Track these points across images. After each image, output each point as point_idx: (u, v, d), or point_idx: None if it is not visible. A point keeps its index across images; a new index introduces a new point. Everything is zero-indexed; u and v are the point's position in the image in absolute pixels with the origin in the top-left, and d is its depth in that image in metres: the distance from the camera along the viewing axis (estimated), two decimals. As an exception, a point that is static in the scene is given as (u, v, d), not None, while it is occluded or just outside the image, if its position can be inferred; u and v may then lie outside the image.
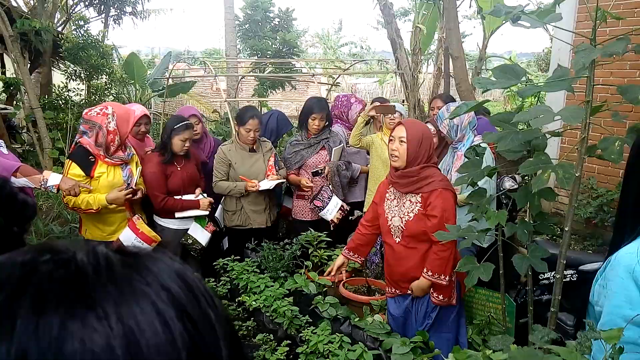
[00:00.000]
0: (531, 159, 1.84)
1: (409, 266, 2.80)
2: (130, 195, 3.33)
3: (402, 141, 2.74)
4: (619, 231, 1.44)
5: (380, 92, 19.24)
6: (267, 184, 3.89)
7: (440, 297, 2.78)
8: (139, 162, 3.62)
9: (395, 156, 2.77)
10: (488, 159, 2.81)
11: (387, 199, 2.90)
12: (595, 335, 0.97)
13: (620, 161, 1.71)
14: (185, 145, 3.70)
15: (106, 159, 3.34)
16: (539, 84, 1.96)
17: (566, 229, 1.95)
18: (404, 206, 2.79)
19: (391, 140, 2.82)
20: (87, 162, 3.33)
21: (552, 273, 2.63)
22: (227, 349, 0.38)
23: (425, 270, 2.72)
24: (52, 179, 3.14)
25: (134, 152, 3.58)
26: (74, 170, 3.29)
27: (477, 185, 2.40)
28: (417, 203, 2.74)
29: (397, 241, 2.83)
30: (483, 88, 2.09)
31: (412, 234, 2.76)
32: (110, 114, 3.35)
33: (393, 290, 2.97)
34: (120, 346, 0.34)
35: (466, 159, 2.30)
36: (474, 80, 2.44)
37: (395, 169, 2.81)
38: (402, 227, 2.79)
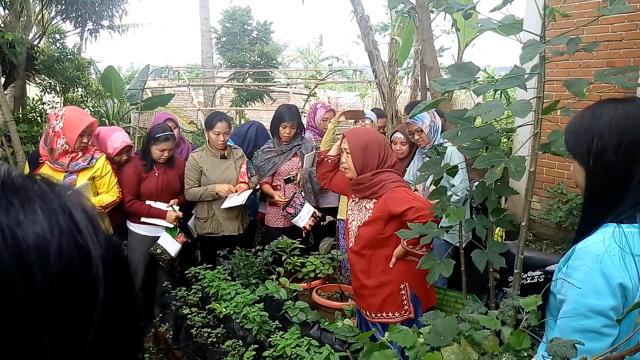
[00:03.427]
0: (485, 154, 1.87)
1: (356, 271, 2.79)
2: None
3: (347, 152, 2.72)
4: (583, 222, 1.45)
5: (361, 105, 19.39)
6: (237, 200, 3.88)
7: (391, 314, 2.72)
8: (102, 177, 3.52)
9: (345, 168, 2.76)
10: (454, 159, 2.83)
11: (352, 200, 2.88)
12: (515, 302, 0.98)
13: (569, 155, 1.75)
14: (164, 155, 3.74)
15: (47, 163, 3.31)
16: (493, 82, 2.00)
17: (522, 223, 1.97)
18: (360, 212, 2.77)
19: (342, 152, 2.82)
20: (35, 164, 3.35)
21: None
22: (103, 248, 0.46)
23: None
24: None
25: (96, 165, 3.48)
26: (26, 170, 3.30)
27: (446, 185, 2.42)
28: (370, 209, 2.70)
29: (350, 245, 2.83)
30: (442, 90, 2.12)
31: (362, 240, 2.72)
32: (60, 116, 3.32)
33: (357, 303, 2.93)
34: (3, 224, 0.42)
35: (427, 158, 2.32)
36: (432, 81, 2.49)
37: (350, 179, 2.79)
38: (356, 232, 2.77)
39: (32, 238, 0.42)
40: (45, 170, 3.33)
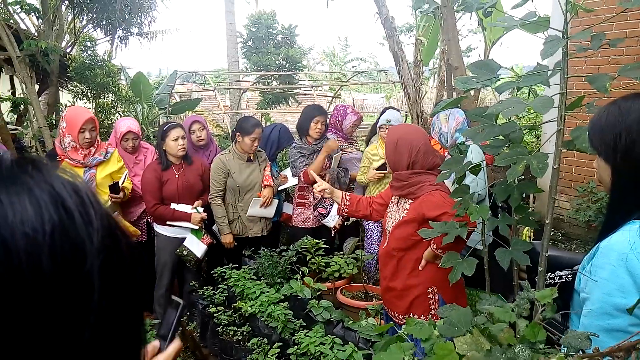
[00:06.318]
0: (507, 151, 1.86)
1: (385, 272, 2.77)
2: None
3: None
4: (609, 220, 1.42)
5: (386, 106, 19.36)
6: (266, 212, 4.05)
7: (416, 317, 2.66)
8: (120, 169, 3.75)
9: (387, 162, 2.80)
10: (475, 157, 2.80)
11: (392, 202, 2.86)
12: (530, 295, 0.98)
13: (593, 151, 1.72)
14: (179, 145, 3.75)
15: (66, 159, 3.56)
16: (516, 79, 1.99)
17: (546, 221, 1.96)
18: (397, 212, 2.75)
19: None
20: (53, 160, 3.55)
21: (549, 274, 2.63)
22: (99, 238, 0.44)
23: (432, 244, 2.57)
24: None
25: (111, 159, 3.70)
26: None
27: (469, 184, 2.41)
28: (405, 210, 2.69)
29: (384, 245, 2.80)
30: (463, 88, 2.12)
31: (394, 240, 2.69)
32: (63, 117, 3.59)
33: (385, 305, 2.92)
34: None
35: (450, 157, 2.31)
36: (454, 80, 2.48)
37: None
38: (389, 232, 2.75)
39: (22, 237, 0.40)
40: (65, 166, 3.61)
